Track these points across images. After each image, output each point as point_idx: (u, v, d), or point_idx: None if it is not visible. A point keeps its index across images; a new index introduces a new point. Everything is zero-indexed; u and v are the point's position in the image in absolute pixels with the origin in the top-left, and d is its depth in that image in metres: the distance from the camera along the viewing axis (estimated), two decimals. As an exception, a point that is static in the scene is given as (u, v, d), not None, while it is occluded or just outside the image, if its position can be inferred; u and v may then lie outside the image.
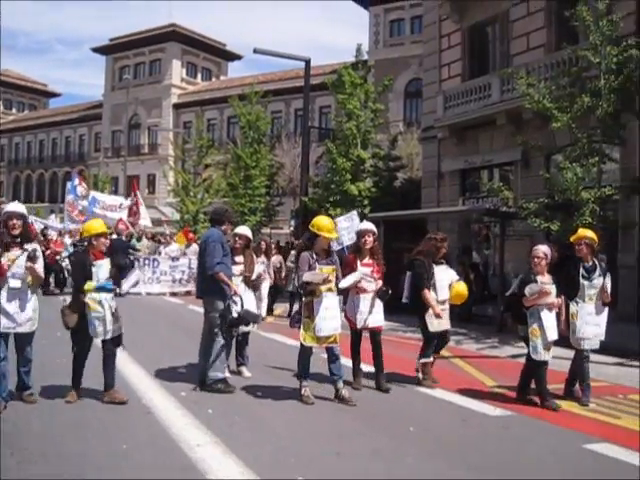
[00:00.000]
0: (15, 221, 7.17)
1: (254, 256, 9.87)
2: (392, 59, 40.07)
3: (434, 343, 9.09)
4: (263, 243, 12.65)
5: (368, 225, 9.15)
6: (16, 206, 7.48)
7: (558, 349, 8.57)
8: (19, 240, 7.18)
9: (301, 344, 7.92)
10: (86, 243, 7.70)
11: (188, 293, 21.51)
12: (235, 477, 5.35)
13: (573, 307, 8.30)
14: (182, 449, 6.01)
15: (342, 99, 25.83)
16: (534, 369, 8.09)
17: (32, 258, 7.06)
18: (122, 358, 10.02)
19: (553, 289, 8.04)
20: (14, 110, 75.06)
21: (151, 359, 10.06)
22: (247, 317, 8.59)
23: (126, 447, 6.00)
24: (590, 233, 8.59)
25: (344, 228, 12.29)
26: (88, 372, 7.65)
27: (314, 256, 7.90)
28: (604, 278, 8.29)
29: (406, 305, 9.34)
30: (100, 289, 7.38)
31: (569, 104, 13.76)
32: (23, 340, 7.36)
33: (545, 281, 8.04)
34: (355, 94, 25.67)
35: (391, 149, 27.46)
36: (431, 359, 9.10)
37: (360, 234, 8.91)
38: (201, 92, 55.64)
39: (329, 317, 7.79)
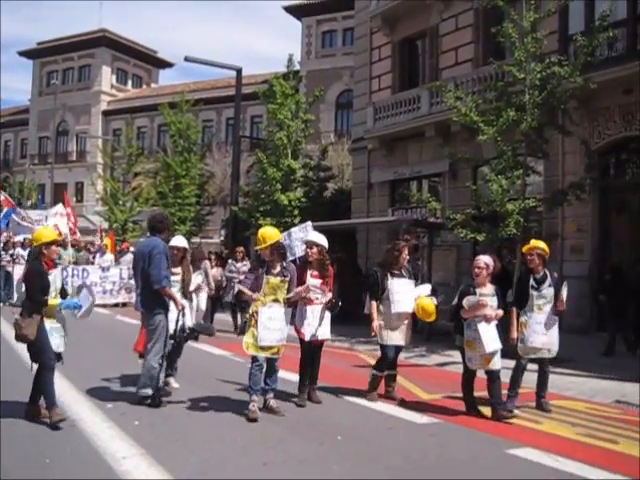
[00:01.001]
0: None
1: (190, 267, 9.65)
2: (324, 70, 40.31)
3: (390, 357, 8.86)
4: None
5: (313, 236, 9.06)
6: None
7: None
8: None
9: (252, 356, 7.78)
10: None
11: (116, 305, 21.13)
12: (161, 489, 5.29)
13: (523, 317, 8.36)
14: (107, 462, 5.91)
15: (273, 109, 25.83)
16: (466, 378, 8.16)
17: None
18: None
19: (493, 301, 8.05)
20: None
21: (77, 371, 9.78)
22: (201, 330, 8.40)
23: (49, 461, 5.87)
24: (542, 244, 8.66)
25: (297, 239, 12.11)
26: (8, 385, 7.47)
27: (264, 266, 7.82)
28: (559, 288, 8.37)
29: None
30: (67, 307, 7.10)
31: (495, 118, 14.06)
32: None
33: (485, 292, 8.05)
34: (286, 104, 25.70)
35: (322, 159, 27.58)
36: (381, 373, 8.87)
37: (306, 245, 8.89)
38: (131, 99, 54.86)
39: (272, 328, 7.66)
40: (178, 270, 9.09)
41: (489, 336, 7.91)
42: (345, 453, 6.42)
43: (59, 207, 25.79)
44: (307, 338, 8.53)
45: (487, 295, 8.04)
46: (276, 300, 7.75)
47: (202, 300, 11.36)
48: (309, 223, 11.94)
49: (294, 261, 11.02)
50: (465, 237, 14.51)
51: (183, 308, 8.25)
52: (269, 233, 7.97)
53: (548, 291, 8.39)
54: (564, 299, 8.37)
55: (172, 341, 8.48)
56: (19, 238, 23.35)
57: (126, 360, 10.12)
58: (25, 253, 21.48)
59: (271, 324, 7.66)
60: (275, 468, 5.88)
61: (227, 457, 6.16)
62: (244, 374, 8.31)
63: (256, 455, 6.23)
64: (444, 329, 15.27)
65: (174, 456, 6.11)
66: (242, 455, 6.25)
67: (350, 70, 32.80)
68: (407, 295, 8.75)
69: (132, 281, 20.94)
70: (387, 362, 8.86)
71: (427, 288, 9.17)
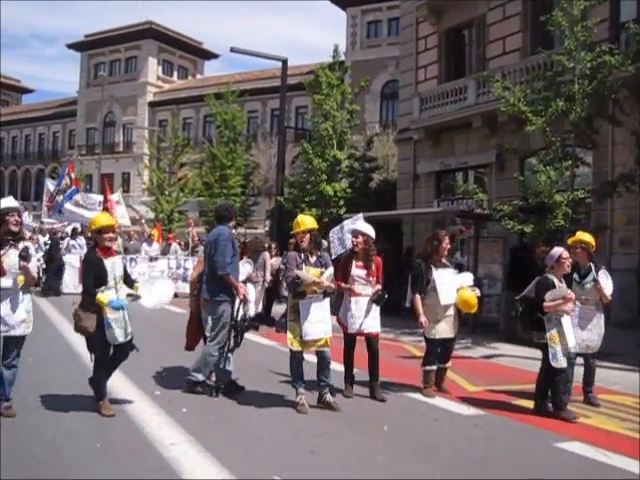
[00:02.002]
0: (17, 217, 6.81)
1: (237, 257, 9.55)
2: (369, 60, 40.21)
3: (436, 350, 8.59)
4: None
5: (359, 226, 8.85)
6: (12, 201, 7.09)
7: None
8: (13, 238, 6.74)
9: (290, 349, 7.60)
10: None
11: None
12: (211, 476, 5.35)
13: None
14: (156, 448, 6.00)
15: (319, 100, 25.85)
16: (551, 377, 7.70)
17: (25, 257, 6.59)
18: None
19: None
20: (-14, 106, 74.26)
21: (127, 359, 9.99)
22: (261, 321, 8.27)
23: (99, 446, 5.98)
24: (587, 237, 8.48)
25: (349, 231, 12.04)
26: (55, 374, 7.60)
27: (301, 256, 7.64)
28: (603, 281, 8.18)
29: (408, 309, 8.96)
30: (116, 308, 6.87)
31: (544, 108, 13.90)
32: (12, 345, 6.77)
33: (562, 285, 7.76)
34: (332, 95, 25.71)
35: (367, 150, 27.54)
36: (433, 367, 8.58)
37: (351, 235, 8.68)
38: (177, 90, 55.40)
39: (316, 320, 7.44)
40: None
41: (570, 331, 7.67)
42: (391, 444, 6.42)
43: (115, 195, 25.73)
44: (350, 330, 8.31)
45: (564, 288, 7.75)
46: (316, 291, 7.54)
47: (251, 291, 11.36)
48: (360, 215, 11.79)
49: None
50: (512, 229, 14.37)
51: (245, 297, 8.13)
52: (307, 220, 7.80)
53: (591, 285, 8.24)
54: (605, 291, 8.19)
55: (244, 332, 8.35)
56: (70, 227, 23.55)
57: (172, 349, 10.24)
58: (76, 242, 21.78)
59: (314, 316, 7.45)
60: (322, 457, 5.92)
61: (275, 445, 6.21)
62: (265, 353, 8.29)
63: (303, 444, 6.27)
64: (489, 321, 15.23)
65: (222, 444, 6.17)
66: (290, 444, 6.29)
67: (395, 60, 32.64)
68: (450, 286, 8.51)
69: (180, 271, 21.17)
70: (434, 355, 8.57)
71: (469, 278, 8.96)
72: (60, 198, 23.39)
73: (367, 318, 8.25)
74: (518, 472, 5.78)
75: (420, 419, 7.49)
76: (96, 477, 5.26)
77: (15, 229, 6.75)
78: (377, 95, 41.10)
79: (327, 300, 7.70)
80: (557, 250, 7.84)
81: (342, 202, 24.81)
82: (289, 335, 7.51)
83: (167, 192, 37.41)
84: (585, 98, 13.44)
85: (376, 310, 8.34)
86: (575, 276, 8.25)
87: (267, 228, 31.57)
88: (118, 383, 8.37)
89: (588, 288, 8.25)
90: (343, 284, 8.23)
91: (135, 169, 48.04)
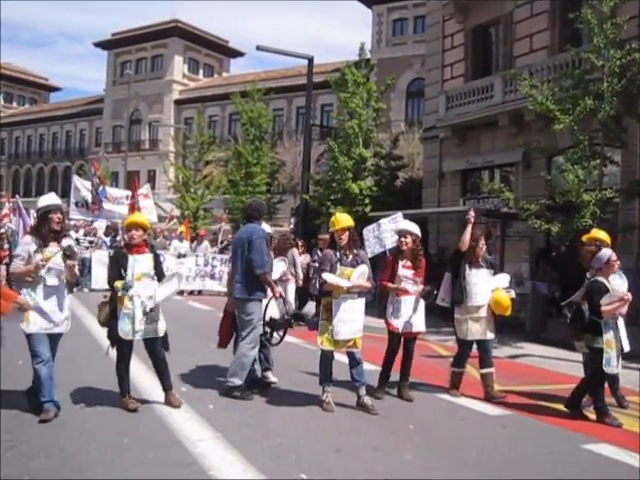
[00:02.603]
0: (59, 215, 6.79)
1: (271, 254, 9.24)
2: (394, 58, 40.07)
3: (467, 352, 8.45)
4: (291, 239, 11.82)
5: (407, 225, 8.65)
6: (55, 198, 7.04)
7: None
8: (56, 236, 6.76)
9: (320, 348, 7.53)
10: None
11: (192, 292, 21.37)
12: (238, 473, 5.37)
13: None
14: (183, 444, 6.03)
15: (344, 97, 25.83)
16: (600, 382, 7.52)
17: (70, 256, 6.63)
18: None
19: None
20: (15, 104, 74.91)
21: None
22: (297, 320, 8.13)
23: (127, 441, 6.03)
24: (602, 235, 8.23)
25: (387, 230, 11.77)
26: (82, 370, 7.65)
27: (337, 254, 7.51)
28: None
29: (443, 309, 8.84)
30: (125, 289, 6.95)
31: (572, 106, 13.79)
32: (55, 342, 6.83)
33: (615, 287, 7.53)
34: (358, 93, 25.66)
35: (392, 148, 27.47)
36: (461, 369, 8.43)
37: (398, 235, 8.51)
38: (203, 88, 55.63)
39: (348, 320, 7.32)
40: None
41: (625, 333, 7.46)
42: (417, 442, 6.42)
43: (145, 188, 25.58)
44: (400, 330, 8.14)
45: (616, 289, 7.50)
46: (349, 291, 7.39)
47: (290, 291, 10.98)
48: (399, 214, 11.48)
49: (384, 253, 10.80)
50: (539, 228, 14.28)
51: (281, 296, 8.08)
52: (344, 217, 7.66)
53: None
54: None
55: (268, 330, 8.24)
56: (101, 224, 23.51)
57: (199, 346, 10.29)
58: (107, 240, 21.85)
59: (347, 316, 7.32)
60: (348, 455, 5.92)
61: (301, 443, 6.22)
62: (302, 355, 8.27)
63: (329, 442, 6.28)
64: (515, 320, 15.11)
65: (248, 441, 6.19)
66: (315, 441, 6.30)
67: (421, 58, 32.55)
68: (485, 287, 8.30)
69: (207, 268, 21.15)
70: (464, 357, 8.44)
71: (505, 279, 8.68)
72: (87, 196, 23.27)
73: (414, 317, 8.15)
74: (545, 473, 5.74)
75: (446, 419, 7.46)
76: (123, 472, 5.29)
77: (57, 227, 6.77)
78: (403, 93, 40.97)
79: (361, 300, 7.55)
80: (606, 252, 7.57)
81: (367, 200, 24.78)
82: (321, 334, 7.42)
83: (193, 190, 37.57)
84: (614, 96, 13.32)
85: (422, 309, 8.24)
86: (588, 275, 7.94)
87: (292, 226, 31.58)
88: (145, 379, 8.44)
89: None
90: (390, 284, 8.15)
91: (161, 166, 48.30)
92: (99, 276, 18.91)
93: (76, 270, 6.86)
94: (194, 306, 18.30)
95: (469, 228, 8.41)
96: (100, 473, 5.27)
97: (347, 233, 7.56)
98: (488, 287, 8.33)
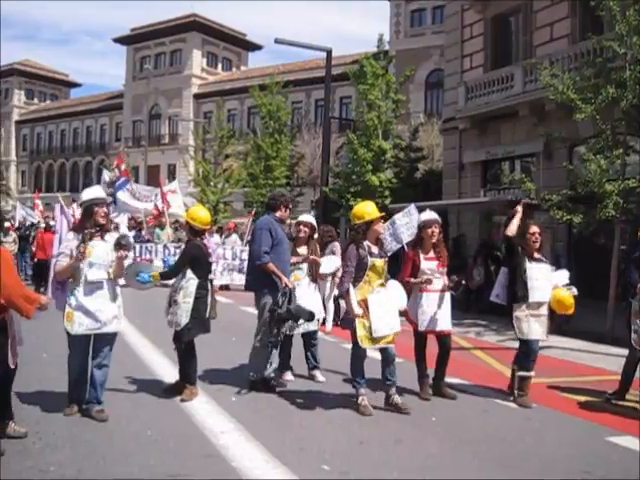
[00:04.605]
0: (105, 209, 6.60)
1: (318, 248, 9.00)
2: (413, 49, 39.94)
3: (533, 352, 7.72)
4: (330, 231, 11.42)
5: (433, 215, 8.06)
6: (100, 191, 6.87)
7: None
8: (100, 230, 6.51)
9: (353, 346, 7.13)
10: None
11: (220, 288, 19.21)
12: (260, 464, 5.39)
13: (634, 305, 7.54)
14: (206, 436, 6.07)
15: (363, 89, 25.78)
16: None
17: (125, 246, 6.44)
18: (146, 346, 10.19)
19: None
20: (36, 100, 75.33)
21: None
22: (298, 313, 7.66)
23: (150, 433, 6.07)
24: None
25: (403, 225, 11.41)
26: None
27: (362, 247, 7.06)
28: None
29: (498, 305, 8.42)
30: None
31: (593, 95, 13.64)
32: (104, 342, 6.54)
33: None
34: (376, 84, 25.60)
35: (412, 140, 27.40)
36: (528, 373, 7.73)
37: (425, 225, 7.92)
38: (222, 82, 55.72)
39: (384, 315, 6.95)
40: (304, 250, 8.55)
41: None
42: (440, 435, 6.39)
43: (173, 184, 25.13)
44: (421, 328, 7.74)
45: None
46: (383, 284, 7.13)
47: (329, 288, 10.63)
48: (412, 206, 11.13)
49: (402, 248, 10.65)
50: (561, 219, 14.16)
51: (291, 288, 7.65)
52: (374, 206, 7.36)
53: None
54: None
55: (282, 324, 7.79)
56: (122, 218, 23.17)
57: (221, 339, 10.30)
58: (131, 234, 21.44)
59: (383, 311, 6.96)
60: (371, 447, 5.91)
61: (323, 435, 6.23)
62: (334, 353, 8.27)
63: (352, 434, 6.27)
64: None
65: (271, 432, 6.21)
66: (338, 433, 6.30)
67: (440, 49, 32.42)
68: (545, 282, 7.67)
69: (235, 262, 20.77)
70: (530, 359, 7.73)
71: (565, 276, 7.99)
72: (109, 190, 22.97)
73: (439, 314, 7.73)
74: (569, 465, 5.69)
75: (469, 411, 7.41)
76: (147, 463, 5.33)
77: (102, 221, 6.52)
78: (422, 84, 40.80)
79: (395, 292, 7.24)
80: None
81: (387, 192, 24.75)
82: (359, 332, 6.94)
83: (212, 183, 37.62)
84: (637, 84, 13.14)
85: (448, 306, 7.84)
86: None
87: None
88: (166, 371, 8.48)
89: None
90: (413, 279, 7.71)
91: (181, 161, 48.51)
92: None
93: (125, 264, 6.70)
94: (219, 300, 18.24)
95: (517, 218, 7.94)
96: (123, 464, 5.30)
97: (381, 223, 7.37)
98: (549, 283, 7.73)
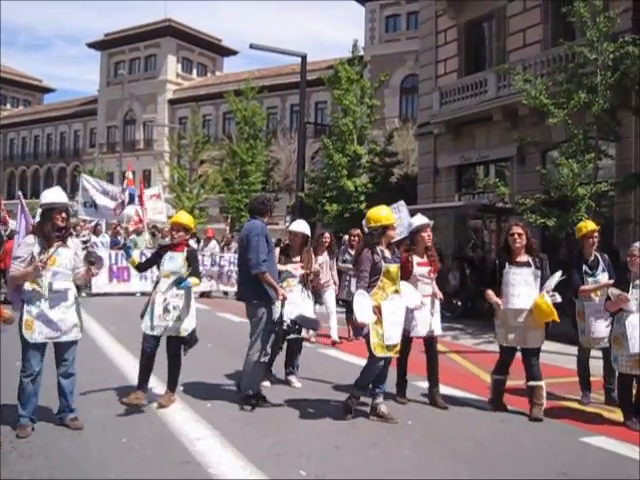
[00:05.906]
0: (64, 214, 6.28)
1: (312, 256, 8.86)
2: (388, 55, 40.10)
3: (507, 359, 7.51)
4: (327, 236, 11.06)
5: (425, 219, 7.92)
6: (60, 195, 6.45)
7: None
8: (61, 234, 6.26)
9: (371, 355, 6.82)
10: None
11: (202, 295, 19.05)
12: (237, 470, 5.38)
13: (578, 306, 7.84)
14: (182, 442, 6.04)
15: (338, 95, 25.87)
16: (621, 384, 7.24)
17: (94, 263, 6.33)
18: (121, 353, 10.10)
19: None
20: (8, 106, 74.63)
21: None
22: (303, 324, 7.53)
23: (125, 440, 6.03)
24: (594, 226, 8.07)
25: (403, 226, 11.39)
26: (81, 371, 7.63)
27: (380, 252, 6.85)
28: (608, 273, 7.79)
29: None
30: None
31: (565, 100, 13.81)
32: (66, 351, 6.37)
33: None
34: (351, 90, 25.71)
35: (387, 145, 27.50)
36: (498, 377, 7.55)
37: (419, 229, 7.76)
38: (197, 87, 55.55)
39: (397, 323, 6.80)
40: (298, 260, 8.41)
41: (637, 334, 6.81)
42: (415, 438, 6.41)
43: (155, 189, 24.99)
44: (411, 334, 7.55)
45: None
46: (396, 291, 6.92)
47: (329, 297, 10.52)
48: (402, 202, 11.10)
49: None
50: (535, 222, 14.29)
51: (285, 298, 7.42)
52: (385, 213, 7.07)
53: (602, 276, 7.83)
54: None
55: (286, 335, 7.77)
56: (92, 224, 21.96)
57: (198, 345, 10.25)
58: (98, 240, 20.94)
59: (395, 319, 6.79)
60: (347, 451, 5.92)
61: (300, 440, 6.22)
62: (310, 359, 8.26)
63: (328, 439, 6.27)
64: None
65: (247, 438, 6.20)
66: (314, 439, 6.29)
67: (414, 54, 32.55)
68: (524, 288, 7.22)
69: (214, 268, 20.55)
70: (502, 364, 7.51)
71: (553, 280, 7.26)
72: (88, 197, 22.06)
73: (429, 320, 7.62)
74: (544, 467, 5.74)
75: (444, 414, 7.43)
76: (123, 471, 5.29)
77: (62, 224, 6.24)
78: (396, 89, 40.96)
79: (407, 299, 7.09)
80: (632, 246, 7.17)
81: (363, 197, 24.81)
82: (372, 339, 6.70)
83: (188, 189, 37.56)
84: (608, 90, 13.35)
85: (437, 311, 7.77)
86: (585, 268, 7.88)
87: (287, 224, 31.53)
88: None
89: (599, 280, 7.84)
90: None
91: (156, 166, 48.31)
92: (100, 280, 17.77)
93: (89, 276, 6.59)
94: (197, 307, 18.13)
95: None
96: (99, 473, 5.27)
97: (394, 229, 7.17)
98: (528, 289, 7.23)
